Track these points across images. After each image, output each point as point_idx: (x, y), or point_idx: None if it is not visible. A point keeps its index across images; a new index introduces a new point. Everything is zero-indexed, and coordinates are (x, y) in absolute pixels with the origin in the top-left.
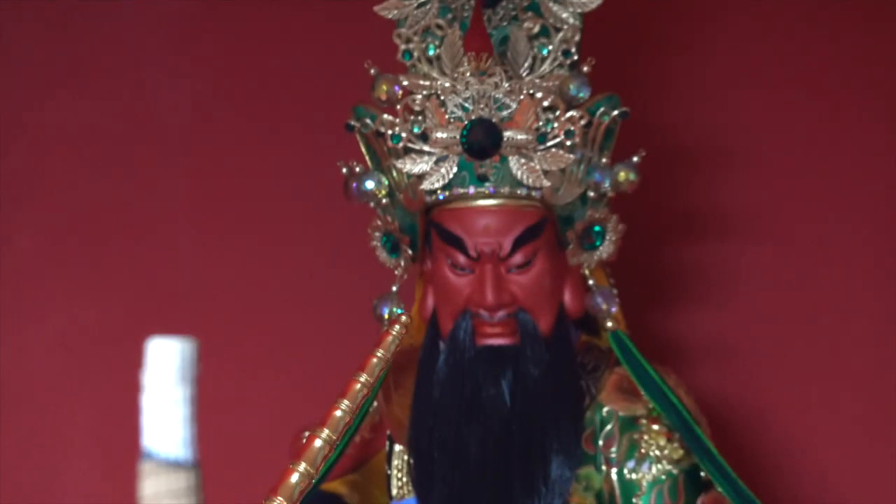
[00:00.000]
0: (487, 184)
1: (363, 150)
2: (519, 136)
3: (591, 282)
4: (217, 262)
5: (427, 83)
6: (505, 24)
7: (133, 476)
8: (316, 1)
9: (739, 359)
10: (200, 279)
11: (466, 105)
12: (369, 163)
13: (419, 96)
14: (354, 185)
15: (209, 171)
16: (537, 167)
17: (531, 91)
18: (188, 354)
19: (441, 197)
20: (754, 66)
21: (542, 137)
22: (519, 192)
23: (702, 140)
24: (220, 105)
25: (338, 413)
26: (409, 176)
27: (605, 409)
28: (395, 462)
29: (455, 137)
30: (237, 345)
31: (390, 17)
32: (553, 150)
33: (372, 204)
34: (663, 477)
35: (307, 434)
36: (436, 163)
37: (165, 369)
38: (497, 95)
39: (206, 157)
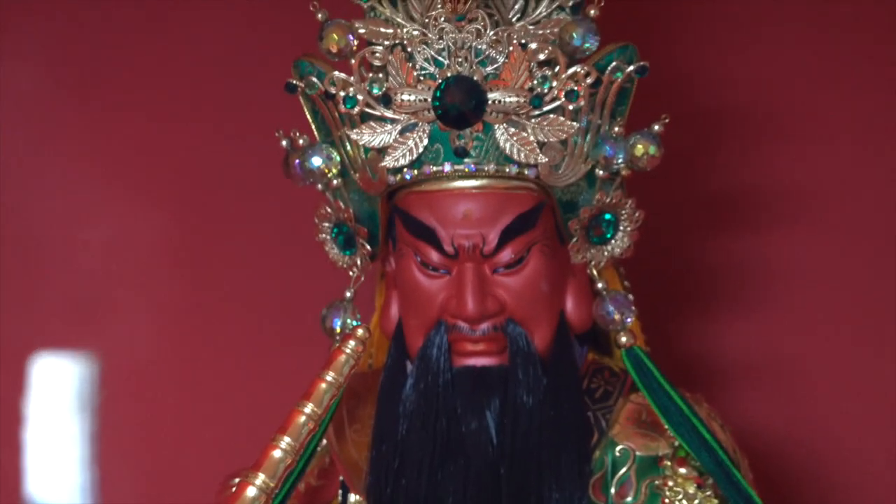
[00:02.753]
0: (467, 160)
1: (308, 116)
2: (507, 99)
3: (599, 285)
4: (122, 261)
5: (390, 31)
6: None
7: None
8: None
9: (789, 379)
10: (103, 283)
11: (440, 59)
12: (316, 133)
13: (380, 48)
14: (297, 161)
15: (109, 147)
16: (531, 138)
17: (523, 41)
18: (87, 375)
19: (408, 177)
20: (799, 11)
21: (536, 100)
22: (508, 170)
23: (738, 104)
24: (121, 65)
25: (276, 454)
26: (368, 150)
27: (619, 448)
28: None
29: (426, 100)
30: (147, 365)
31: None
32: (551, 116)
33: (319, 186)
34: None
35: (237, 481)
36: (401, 133)
37: (57, 395)
38: (479, 46)
39: (104, 130)
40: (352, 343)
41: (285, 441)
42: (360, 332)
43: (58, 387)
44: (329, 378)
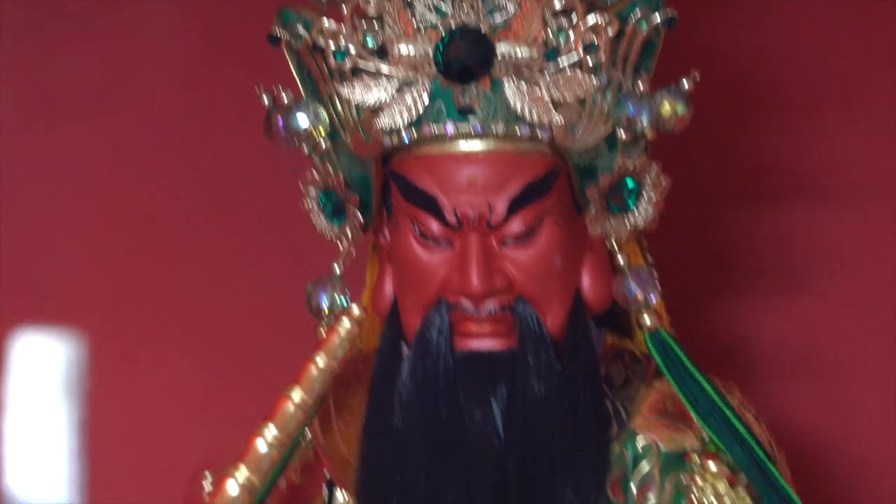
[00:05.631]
0: (473, 119)
1: (294, 71)
2: (518, 52)
3: (620, 260)
4: (109, 230)
5: None
6: None
7: None
8: None
9: (831, 368)
10: (88, 255)
11: (443, 7)
12: (302, 90)
13: None
14: (281, 120)
15: (97, 121)
16: (545, 96)
17: None
18: (75, 356)
19: (406, 139)
20: None
21: (551, 53)
22: (518, 130)
23: (779, 60)
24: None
25: (261, 447)
26: (360, 108)
27: (641, 442)
28: None
29: (426, 53)
30: (139, 345)
31: None
32: (568, 71)
33: (306, 148)
34: None
35: (213, 476)
36: (398, 90)
37: (39, 378)
38: None
39: (92, 105)
40: (346, 323)
41: (271, 432)
42: (355, 310)
43: (40, 369)
44: (320, 363)
